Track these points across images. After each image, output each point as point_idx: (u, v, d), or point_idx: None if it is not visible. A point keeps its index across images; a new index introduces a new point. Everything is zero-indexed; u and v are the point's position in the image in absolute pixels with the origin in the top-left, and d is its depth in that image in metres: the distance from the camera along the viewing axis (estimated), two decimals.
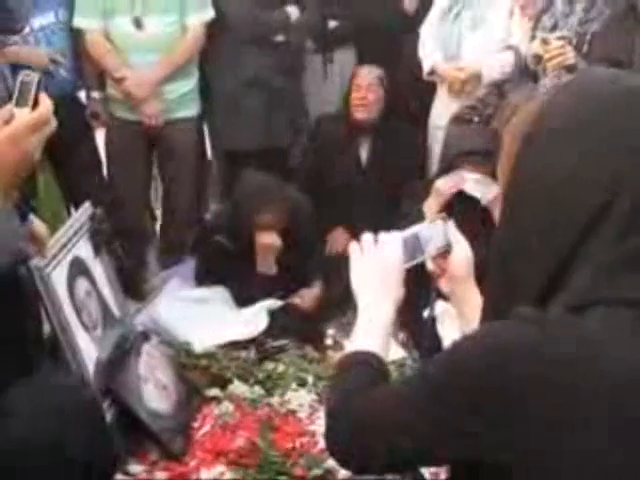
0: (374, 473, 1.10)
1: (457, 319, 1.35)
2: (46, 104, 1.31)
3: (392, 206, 3.60)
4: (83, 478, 1.51)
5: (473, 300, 1.31)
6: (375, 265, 1.29)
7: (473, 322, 1.31)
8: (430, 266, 1.37)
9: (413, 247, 1.33)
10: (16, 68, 2.59)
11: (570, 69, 3.06)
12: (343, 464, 1.13)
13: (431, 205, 3.22)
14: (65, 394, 1.55)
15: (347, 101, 3.83)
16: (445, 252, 1.35)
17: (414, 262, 1.33)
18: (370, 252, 1.30)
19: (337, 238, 3.81)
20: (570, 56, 3.07)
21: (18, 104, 1.31)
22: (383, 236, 1.32)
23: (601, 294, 0.86)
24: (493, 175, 3.28)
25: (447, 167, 3.37)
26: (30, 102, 1.30)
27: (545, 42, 3.12)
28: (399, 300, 1.28)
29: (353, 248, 1.32)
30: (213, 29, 3.72)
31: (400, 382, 1.04)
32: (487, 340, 0.88)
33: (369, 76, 3.78)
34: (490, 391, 0.84)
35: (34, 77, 1.33)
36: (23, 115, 1.28)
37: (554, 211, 0.90)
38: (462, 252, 1.35)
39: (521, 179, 0.95)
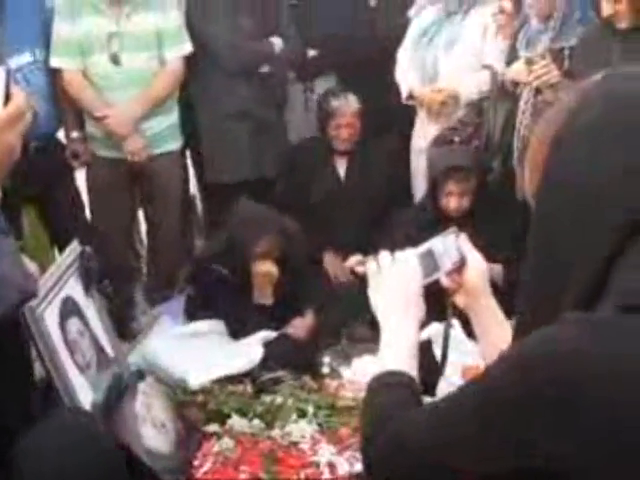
0: None
1: (476, 332, 1.32)
2: (20, 96, 1.28)
3: (376, 225, 3.63)
4: None
5: (491, 311, 1.28)
6: (395, 284, 1.27)
7: (492, 333, 1.28)
8: (445, 282, 1.34)
9: (429, 263, 1.31)
10: None
11: (553, 87, 3.08)
12: None
13: None
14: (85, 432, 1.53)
15: (323, 126, 3.88)
16: (460, 266, 1.32)
17: (432, 279, 1.31)
18: (388, 271, 1.28)
19: (332, 265, 3.80)
20: (555, 74, 3.11)
21: None
22: (399, 254, 1.30)
23: None
24: (474, 190, 3.31)
25: (432, 185, 3.38)
26: (1, 98, 1.26)
27: (530, 62, 3.15)
28: (422, 318, 1.26)
29: (371, 267, 1.29)
30: (196, 62, 3.71)
31: (438, 401, 1.00)
32: (539, 346, 0.84)
33: (345, 107, 3.81)
34: (546, 399, 0.80)
35: (1, 72, 1.28)
36: None
37: (592, 213, 0.86)
38: (477, 265, 1.33)
39: (552, 184, 0.92)
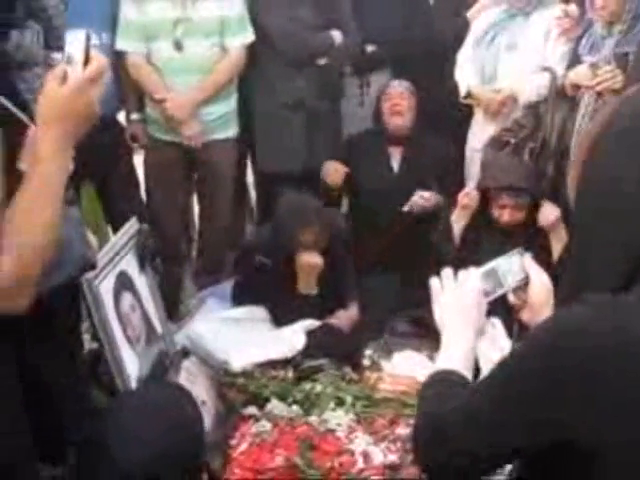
0: None
1: None
2: (99, 58, 1.43)
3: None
4: None
5: None
6: (457, 301, 1.33)
7: None
8: (511, 299, 1.40)
9: (493, 281, 1.38)
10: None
11: (616, 92, 3.08)
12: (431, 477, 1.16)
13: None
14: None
15: (377, 116, 3.92)
16: (525, 284, 1.38)
17: (495, 295, 1.38)
18: (451, 289, 1.35)
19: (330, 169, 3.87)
20: (619, 79, 3.10)
21: (69, 62, 1.40)
22: (462, 273, 1.36)
23: None
24: (529, 210, 3.32)
25: (483, 196, 3.41)
26: (81, 58, 1.40)
27: (595, 67, 3.16)
28: (481, 330, 1.33)
29: (434, 284, 1.35)
30: (256, 52, 3.77)
31: (476, 385, 1.07)
32: (556, 324, 0.92)
33: (399, 87, 3.89)
34: (566, 370, 0.86)
35: (81, 34, 1.42)
36: (78, 70, 1.39)
37: (626, 216, 0.91)
38: (541, 282, 1.38)
39: (589, 186, 0.96)
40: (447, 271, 1.37)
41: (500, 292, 1.38)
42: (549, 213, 3.31)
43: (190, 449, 1.72)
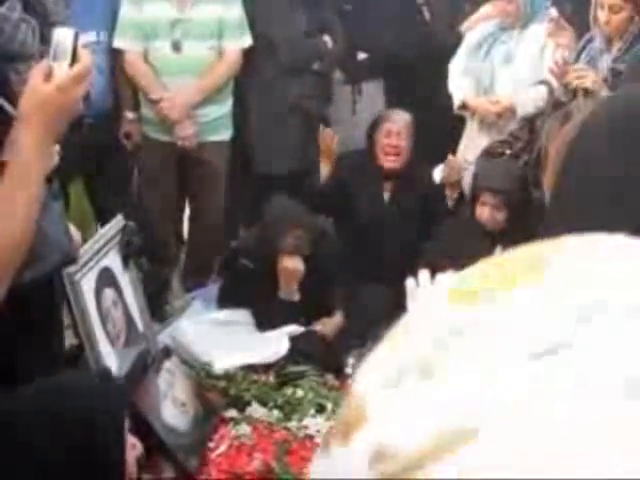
0: None
1: None
2: (86, 57, 1.44)
3: (423, 237, 3.60)
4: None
5: None
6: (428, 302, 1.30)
7: None
8: None
9: None
10: None
11: (588, 93, 3.11)
12: None
13: None
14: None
15: (371, 144, 3.73)
16: None
17: None
18: (427, 292, 1.31)
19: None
20: (590, 79, 3.13)
21: (56, 59, 1.41)
22: (440, 276, 1.32)
23: None
24: (512, 205, 3.31)
25: (471, 199, 3.41)
26: (69, 55, 1.41)
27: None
28: None
29: (410, 285, 1.33)
30: (253, 56, 3.78)
31: None
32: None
33: (400, 122, 3.69)
34: None
35: (70, 32, 1.43)
36: (64, 68, 1.40)
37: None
38: None
39: (563, 195, 0.97)
40: (424, 273, 1.34)
41: None
42: None
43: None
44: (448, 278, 1.33)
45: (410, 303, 1.32)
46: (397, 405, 0.38)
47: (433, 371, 0.38)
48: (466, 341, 0.38)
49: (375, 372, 0.41)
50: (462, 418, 0.35)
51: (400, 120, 3.71)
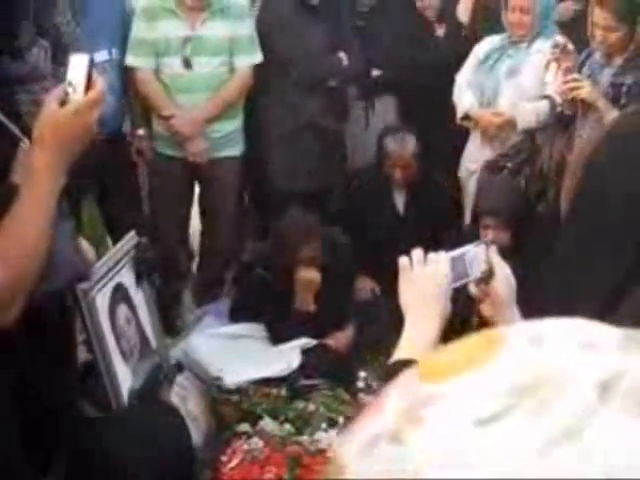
0: None
1: None
2: (100, 83, 1.48)
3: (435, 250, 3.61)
4: None
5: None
6: (424, 281, 1.30)
7: None
8: (473, 290, 1.37)
9: (460, 267, 1.34)
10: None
11: (586, 105, 3.14)
12: None
13: None
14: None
15: (380, 158, 3.84)
16: (488, 277, 1.35)
17: (460, 283, 1.34)
18: (420, 268, 1.32)
19: (363, 287, 3.82)
20: (586, 90, 3.17)
21: (71, 84, 1.44)
22: (432, 255, 1.33)
23: None
24: (515, 225, 3.33)
25: (473, 219, 3.46)
26: (83, 81, 1.44)
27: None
28: (446, 316, 1.29)
29: (403, 263, 1.33)
30: (269, 72, 3.80)
31: None
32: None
33: (407, 149, 3.77)
34: None
35: (84, 58, 1.47)
36: (80, 93, 1.44)
37: (617, 230, 0.94)
38: (504, 277, 1.35)
39: (582, 205, 0.99)
40: (417, 252, 1.33)
41: (465, 280, 1.34)
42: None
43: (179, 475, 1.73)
44: (438, 256, 1.34)
45: (402, 281, 1.33)
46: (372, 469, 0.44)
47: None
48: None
49: (353, 439, 0.47)
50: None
51: (406, 146, 3.77)
